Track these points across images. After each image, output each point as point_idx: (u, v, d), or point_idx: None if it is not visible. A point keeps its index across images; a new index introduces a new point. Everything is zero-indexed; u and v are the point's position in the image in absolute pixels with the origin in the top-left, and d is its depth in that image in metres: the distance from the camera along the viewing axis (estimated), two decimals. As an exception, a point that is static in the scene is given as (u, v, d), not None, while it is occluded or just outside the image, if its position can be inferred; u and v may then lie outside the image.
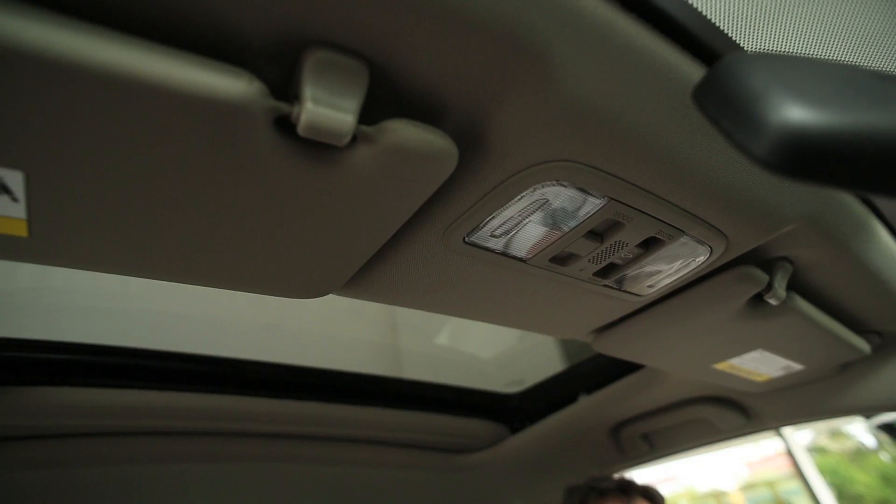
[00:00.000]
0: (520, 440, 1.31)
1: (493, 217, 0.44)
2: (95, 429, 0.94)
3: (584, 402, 1.20)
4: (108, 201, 0.34)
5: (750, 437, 1.13)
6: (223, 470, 1.07)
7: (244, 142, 0.31)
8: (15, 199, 0.32)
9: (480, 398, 1.33)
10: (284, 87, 0.33)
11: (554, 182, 0.41)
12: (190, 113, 0.29)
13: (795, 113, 0.23)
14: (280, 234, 0.40)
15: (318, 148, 0.33)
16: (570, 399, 1.22)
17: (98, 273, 0.41)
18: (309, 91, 0.30)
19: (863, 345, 0.77)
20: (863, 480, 3.63)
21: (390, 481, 1.27)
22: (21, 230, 0.35)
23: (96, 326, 1.03)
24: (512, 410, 1.36)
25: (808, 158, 0.23)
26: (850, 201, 0.55)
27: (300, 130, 0.31)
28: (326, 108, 0.30)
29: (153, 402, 0.94)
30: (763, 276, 0.58)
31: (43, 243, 0.37)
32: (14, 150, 0.29)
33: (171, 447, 1.01)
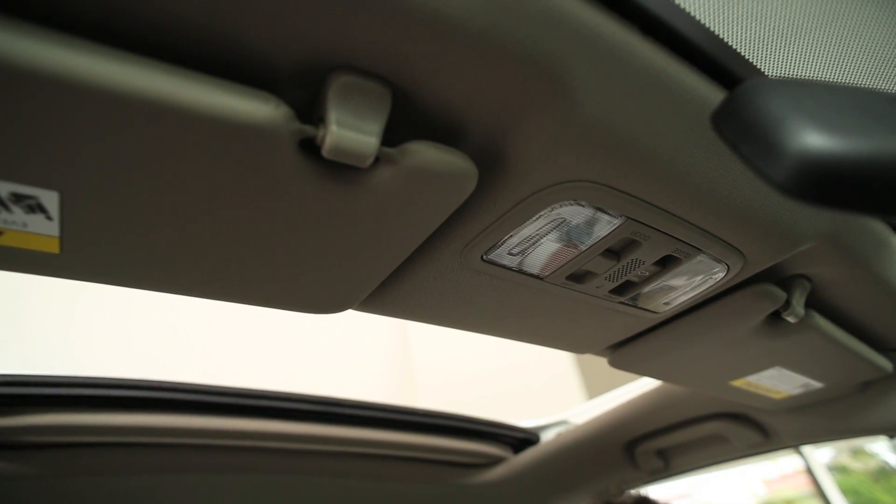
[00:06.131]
0: (532, 456, 1.30)
1: (511, 236, 0.44)
2: (96, 441, 0.95)
3: (599, 419, 1.19)
4: (137, 220, 0.35)
5: (767, 455, 1.11)
6: (226, 481, 1.08)
7: (270, 163, 0.32)
8: (49, 218, 0.34)
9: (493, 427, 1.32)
10: (309, 111, 0.34)
11: (571, 201, 0.41)
12: (218, 136, 0.30)
13: (815, 139, 0.23)
14: (303, 252, 0.41)
15: (342, 169, 0.34)
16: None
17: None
18: (334, 114, 0.31)
19: (885, 363, 0.75)
20: (886, 501, 3.53)
21: (396, 496, 1.26)
22: (53, 247, 0.36)
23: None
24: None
25: (828, 185, 0.23)
26: (869, 220, 0.54)
27: (325, 153, 0.31)
28: (350, 130, 0.31)
29: (157, 423, 0.95)
30: (781, 294, 0.57)
31: (73, 260, 0.38)
32: (51, 171, 0.30)
33: (173, 459, 1.01)
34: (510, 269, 0.48)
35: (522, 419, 1.39)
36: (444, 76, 0.32)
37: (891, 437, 0.97)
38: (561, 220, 0.43)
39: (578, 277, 0.51)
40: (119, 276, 0.41)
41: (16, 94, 0.26)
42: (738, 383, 0.79)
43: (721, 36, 0.36)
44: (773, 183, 0.24)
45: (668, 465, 1.22)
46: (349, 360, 3.18)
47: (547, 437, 1.33)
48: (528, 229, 0.44)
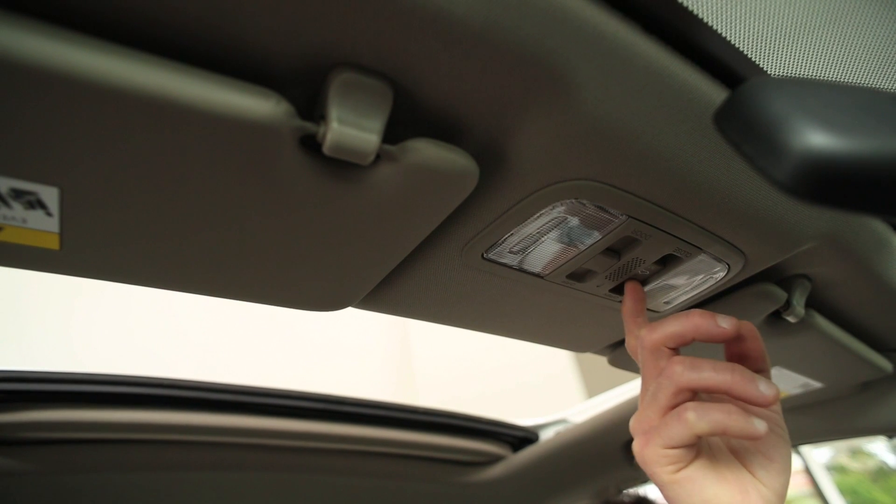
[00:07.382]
0: (530, 455, 1.30)
1: (512, 234, 0.44)
2: (96, 437, 0.95)
3: (598, 417, 1.19)
4: (136, 216, 0.35)
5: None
6: (225, 479, 1.08)
7: (270, 160, 0.32)
8: (49, 214, 0.34)
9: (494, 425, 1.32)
10: (310, 107, 0.34)
11: (573, 200, 0.41)
12: (219, 133, 0.30)
13: (818, 139, 0.23)
14: (303, 249, 0.40)
15: (342, 166, 0.34)
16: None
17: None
18: (335, 111, 0.31)
19: (884, 363, 0.75)
20: (885, 501, 3.54)
21: (395, 493, 1.26)
22: (53, 243, 0.36)
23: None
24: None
25: (831, 184, 0.23)
26: (870, 220, 0.54)
27: (325, 150, 0.31)
28: (351, 128, 0.31)
29: (157, 420, 0.96)
30: (781, 294, 0.57)
31: (73, 256, 0.38)
32: (51, 167, 0.30)
33: (173, 455, 1.02)
34: (511, 267, 0.48)
35: (521, 418, 1.39)
36: (446, 74, 0.32)
37: (890, 437, 0.97)
38: (562, 219, 0.43)
39: (579, 276, 0.51)
40: (119, 273, 0.41)
41: (15, 89, 0.26)
42: (738, 383, 0.79)
43: (724, 34, 0.35)
44: (775, 183, 0.24)
45: (668, 464, 1.21)
46: (349, 357, 3.19)
47: (546, 435, 1.33)
48: (529, 228, 0.44)
